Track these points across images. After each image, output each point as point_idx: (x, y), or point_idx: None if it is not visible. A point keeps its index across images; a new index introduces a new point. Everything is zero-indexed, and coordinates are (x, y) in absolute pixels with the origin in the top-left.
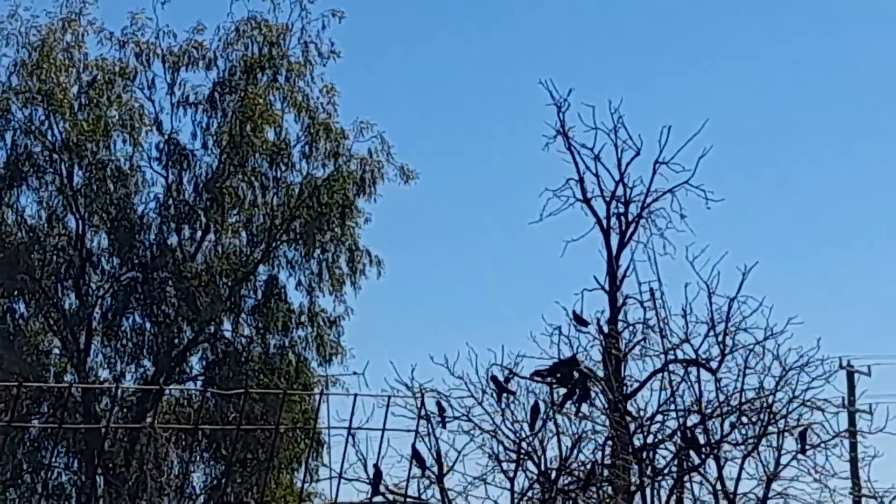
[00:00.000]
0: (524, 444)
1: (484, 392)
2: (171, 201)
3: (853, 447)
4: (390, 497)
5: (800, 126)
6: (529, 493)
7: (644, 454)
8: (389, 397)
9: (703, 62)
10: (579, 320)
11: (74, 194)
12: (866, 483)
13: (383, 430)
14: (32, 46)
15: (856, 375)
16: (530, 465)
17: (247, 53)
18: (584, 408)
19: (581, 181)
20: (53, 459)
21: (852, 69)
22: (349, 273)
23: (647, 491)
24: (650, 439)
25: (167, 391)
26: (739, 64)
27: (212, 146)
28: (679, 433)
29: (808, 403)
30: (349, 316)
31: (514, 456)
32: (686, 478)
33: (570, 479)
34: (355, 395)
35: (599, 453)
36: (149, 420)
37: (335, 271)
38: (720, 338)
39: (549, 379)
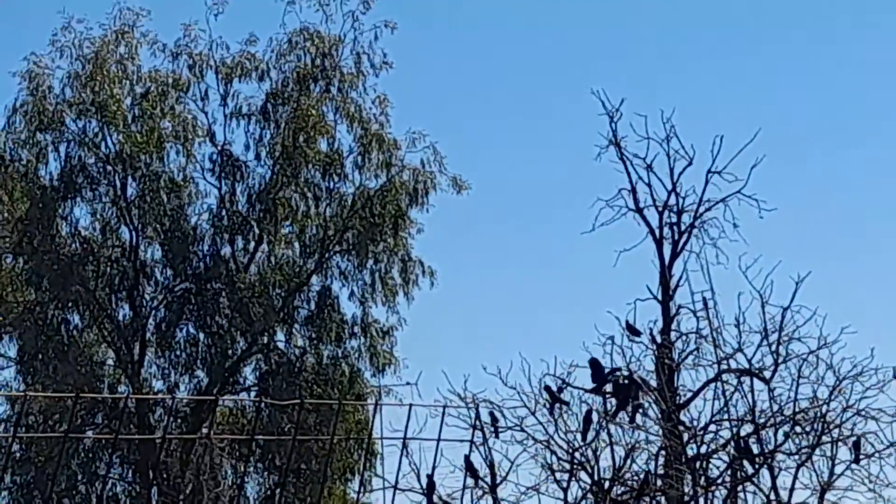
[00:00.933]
0: (577, 454)
1: (537, 402)
2: (224, 212)
3: None
4: None
5: (853, 132)
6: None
7: (697, 464)
8: (444, 407)
9: (756, 70)
10: (632, 330)
11: (128, 206)
12: None
13: (438, 440)
14: (86, 59)
15: None
16: (583, 475)
17: (299, 64)
18: (638, 418)
19: (633, 191)
20: (108, 470)
21: None
22: (402, 283)
23: (701, 501)
24: (703, 449)
25: (220, 402)
26: (793, 71)
27: (265, 157)
28: (732, 443)
29: (862, 413)
30: (402, 326)
31: (567, 466)
32: (740, 488)
33: (623, 489)
34: (410, 405)
35: (653, 463)
36: (205, 431)
37: (388, 282)
38: (773, 347)
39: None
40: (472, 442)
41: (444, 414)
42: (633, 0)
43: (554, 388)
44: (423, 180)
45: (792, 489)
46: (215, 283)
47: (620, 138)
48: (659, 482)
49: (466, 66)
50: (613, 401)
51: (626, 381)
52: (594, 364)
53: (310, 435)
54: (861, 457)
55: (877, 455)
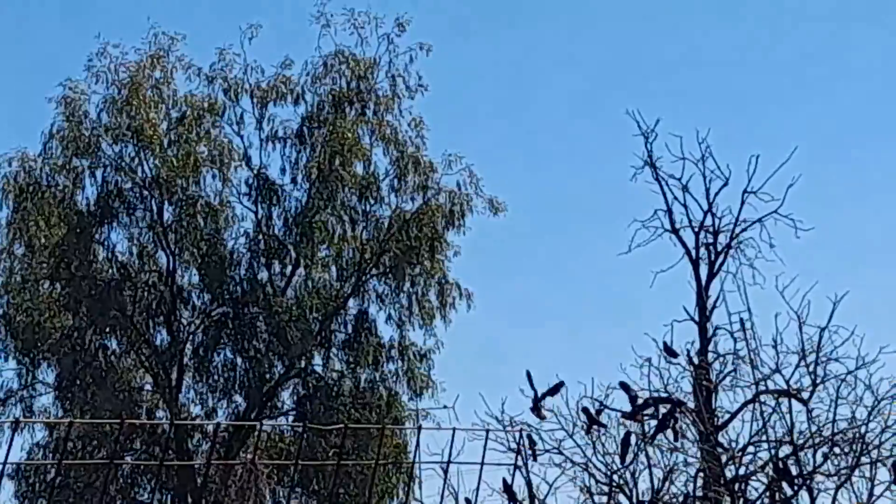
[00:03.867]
0: (616, 477)
1: (574, 425)
2: (260, 236)
3: None
4: None
5: (890, 151)
6: None
7: (736, 486)
8: (488, 431)
9: (792, 89)
10: (669, 351)
11: (165, 230)
12: None
13: (482, 463)
14: (122, 83)
15: None
16: (622, 497)
17: (335, 87)
18: (672, 439)
19: (669, 212)
20: (146, 495)
21: None
22: (439, 306)
23: None
24: (742, 471)
25: (258, 426)
26: (829, 89)
27: (301, 181)
28: (771, 464)
29: None
30: (439, 349)
31: (605, 488)
32: None
33: None
34: (454, 429)
35: (691, 485)
36: (248, 456)
37: (425, 305)
38: (811, 368)
39: (647, 412)
40: (515, 465)
41: (486, 437)
42: (668, 22)
43: (592, 411)
44: (459, 202)
45: None
46: (252, 307)
47: (656, 159)
48: None
49: (502, 88)
50: (652, 423)
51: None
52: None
53: (348, 459)
54: None
55: None
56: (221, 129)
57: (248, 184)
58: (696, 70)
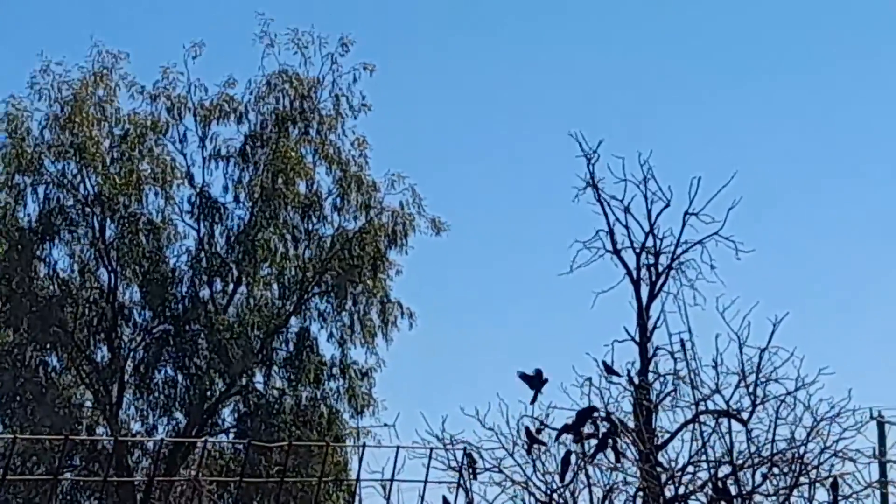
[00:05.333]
0: (555, 496)
1: (515, 444)
2: (202, 254)
3: (884, 498)
4: None
5: (828, 175)
6: None
7: None
8: (432, 450)
9: (732, 112)
10: (610, 371)
11: (107, 248)
12: None
13: (425, 481)
14: (65, 101)
15: (887, 426)
16: None
17: (278, 107)
18: (614, 459)
19: (611, 233)
20: None
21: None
22: (381, 325)
23: None
24: (681, 490)
25: (199, 443)
26: (770, 112)
27: (244, 199)
28: (710, 484)
29: (840, 454)
30: (381, 368)
31: None
32: None
33: None
34: (398, 447)
35: None
36: (193, 472)
37: (367, 323)
38: (751, 389)
39: (584, 429)
40: (458, 484)
41: (430, 456)
42: (611, 43)
43: (532, 430)
44: (401, 222)
45: None
46: (194, 324)
47: (598, 180)
48: None
49: (445, 109)
50: (592, 442)
51: (605, 423)
52: None
53: (290, 476)
54: (839, 498)
55: (854, 496)
56: (164, 147)
57: (190, 202)
58: (638, 91)
